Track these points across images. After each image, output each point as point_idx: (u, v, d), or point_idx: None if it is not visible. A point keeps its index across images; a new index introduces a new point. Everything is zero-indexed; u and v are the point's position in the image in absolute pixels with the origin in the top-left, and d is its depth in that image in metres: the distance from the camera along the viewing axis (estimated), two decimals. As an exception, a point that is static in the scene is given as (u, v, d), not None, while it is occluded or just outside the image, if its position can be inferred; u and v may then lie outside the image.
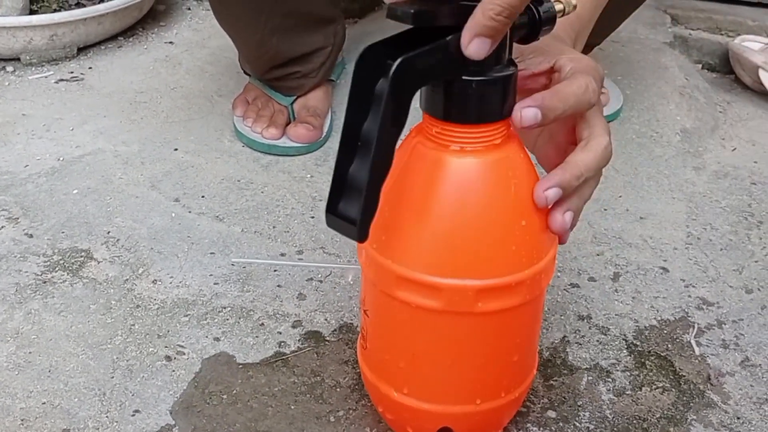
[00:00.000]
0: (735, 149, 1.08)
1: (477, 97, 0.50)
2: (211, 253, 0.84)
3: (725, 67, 1.30)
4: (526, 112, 0.50)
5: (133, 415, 0.64)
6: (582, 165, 0.53)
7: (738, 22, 1.35)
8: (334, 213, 0.48)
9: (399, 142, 0.53)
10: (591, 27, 0.71)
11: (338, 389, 0.67)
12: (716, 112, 1.17)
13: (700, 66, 1.32)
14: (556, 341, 0.73)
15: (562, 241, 0.56)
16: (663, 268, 0.84)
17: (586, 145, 0.54)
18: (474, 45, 0.47)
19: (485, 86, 0.50)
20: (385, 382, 0.59)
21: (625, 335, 0.74)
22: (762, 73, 1.19)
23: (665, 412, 0.67)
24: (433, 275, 0.52)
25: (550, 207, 0.53)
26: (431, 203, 0.52)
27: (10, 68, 1.23)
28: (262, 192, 0.95)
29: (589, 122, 0.54)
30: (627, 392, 0.68)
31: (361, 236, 0.48)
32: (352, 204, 0.47)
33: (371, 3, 1.42)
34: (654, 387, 0.69)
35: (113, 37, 1.33)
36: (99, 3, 1.30)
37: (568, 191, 0.53)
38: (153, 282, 0.79)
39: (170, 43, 1.34)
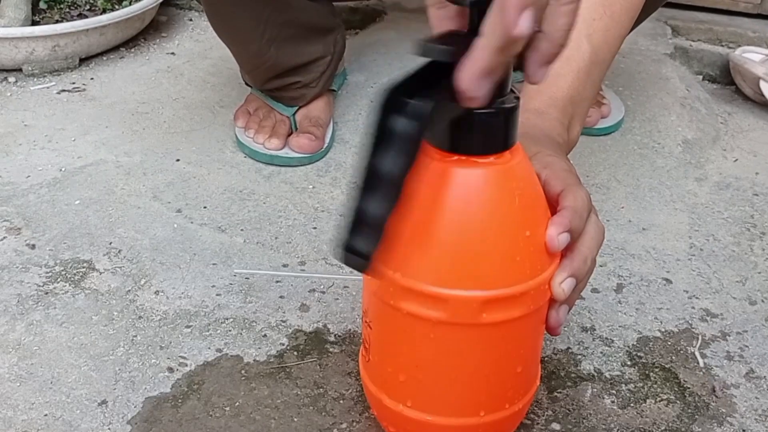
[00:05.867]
0: (736, 160, 1.08)
1: (480, 131, 0.50)
2: (213, 264, 0.84)
3: (726, 78, 1.30)
4: (562, 237, 0.53)
5: (135, 427, 0.64)
6: (587, 251, 0.57)
7: (738, 33, 1.35)
8: (348, 249, 0.47)
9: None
10: (588, 106, 0.71)
11: (342, 401, 0.67)
12: (717, 123, 1.17)
13: (700, 77, 1.32)
14: (560, 353, 0.73)
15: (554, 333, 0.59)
16: (666, 280, 0.84)
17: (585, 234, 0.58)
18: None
19: (489, 118, 0.50)
20: (388, 394, 0.58)
21: (628, 347, 0.74)
22: (763, 84, 1.19)
23: (670, 424, 0.66)
24: (437, 286, 0.52)
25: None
26: (435, 214, 0.52)
27: (12, 79, 1.23)
28: (264, 203, 0.95)
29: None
30: (631, 404, 0.68)
31: (373, 270, 0.48)
32: (367, 240, 0.47)
33: (372, 14, 1.42)
34: (658, 399, 0.69)
35: (115, 48, 1.33)
36: (101, 14, 1.30)
37: (579, 277, 0.56)
38: (155, 293, 0.79)
39: (172, 53, 1.34)
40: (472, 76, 0.45)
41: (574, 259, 0.55)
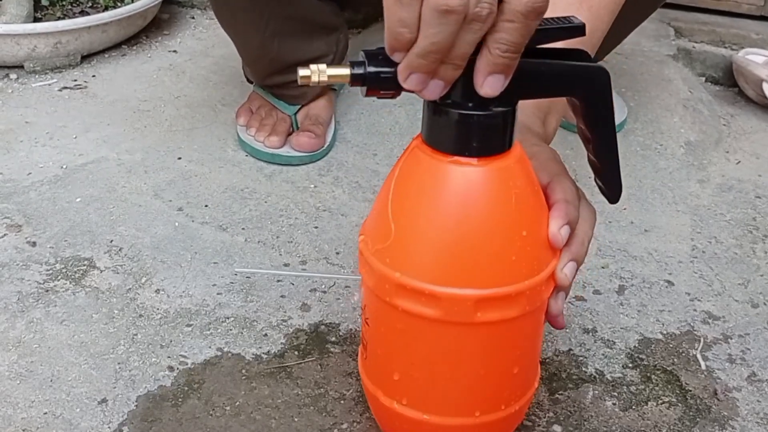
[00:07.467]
0: (739, 162, 1.08)
1: (477, 132, 0.51)
2: (215, 263, 0.83)
3: (729, 80, 1.30)
4: (563, 231, 0.55)
5: (135, 426, 0.64)
6: (583, 234, 0.58)
7: (741, 35, 1.35)
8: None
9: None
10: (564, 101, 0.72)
11: (342, 401, 0.67)
12: (720, 125, 1.17)
13: (703, 79, 1.32)
14: (562, 354, 0.73)
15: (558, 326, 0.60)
16: (668, 282, 0.83)
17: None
18: (488, 82, 0.48)
19: (486, 120, 0.50)
20: (383, 391, 0.58)
21: (630, 349, 0.74)
22: (765, 86, 1.19)
23: (671, 427, 0.66)
24: (432, 284, 0.52)
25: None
26: (432, 211, 0.51)
27: (13, 75, 1.23)
28: (266, 201, 0.95)
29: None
30: (633, 407, 0.68)
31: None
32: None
33: (374, 14, 1.42)
34: (660, 402, 0.69)
35: (117, 46, 1.33)
36: (103, 11, 1.30)
37: (579, 260, 0.57)
38: (156, 291, 0.79)
39: (174, 51, 1.34)
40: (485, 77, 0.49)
41: (572, 245, 0.56)
